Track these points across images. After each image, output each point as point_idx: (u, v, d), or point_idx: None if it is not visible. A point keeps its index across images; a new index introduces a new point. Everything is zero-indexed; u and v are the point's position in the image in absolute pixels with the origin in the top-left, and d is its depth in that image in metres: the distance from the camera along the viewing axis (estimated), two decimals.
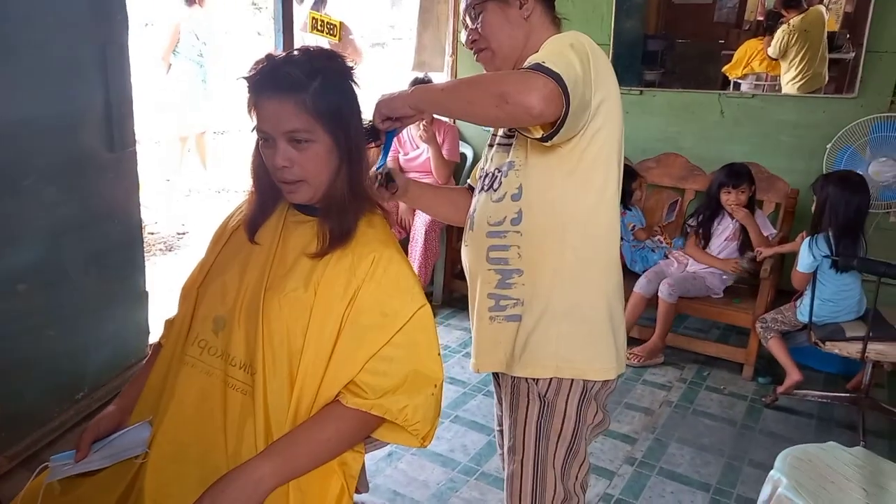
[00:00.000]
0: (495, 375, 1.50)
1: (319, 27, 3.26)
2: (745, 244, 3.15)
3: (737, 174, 3.14)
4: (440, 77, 4.03)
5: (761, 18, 3.72)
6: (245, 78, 1.13)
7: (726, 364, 3.18)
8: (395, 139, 3.66)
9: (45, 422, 2.08)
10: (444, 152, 3.54)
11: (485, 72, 1.39)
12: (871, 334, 2.53)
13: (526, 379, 1.33)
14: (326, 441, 1.09)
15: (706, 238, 3.24)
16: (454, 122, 3.84)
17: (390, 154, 3.65)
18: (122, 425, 1.21)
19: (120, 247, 2.27)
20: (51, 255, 2.02)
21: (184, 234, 4.59)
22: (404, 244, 3.53)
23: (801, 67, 3.50)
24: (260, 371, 1.10)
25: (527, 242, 1.30)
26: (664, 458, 2.45)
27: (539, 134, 1.18)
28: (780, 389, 2.83)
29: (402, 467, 2.30)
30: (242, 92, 1.15)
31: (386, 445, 1.24)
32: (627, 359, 3.10)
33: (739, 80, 3.75)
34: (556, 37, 1.25)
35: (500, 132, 1.40)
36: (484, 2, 1.32)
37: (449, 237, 3.75)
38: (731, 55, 3.74)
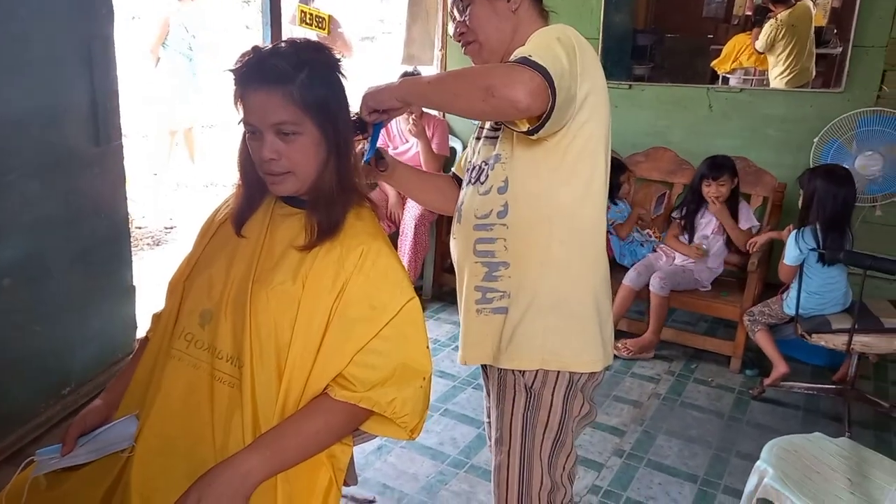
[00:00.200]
0: (483, 368, 1.51)
1: (308, 20, 3.24)
2: (731, 239, 3.18)
3: (717, 166, 3.16)
4: (430, 71, 4.03)
5: (750, 13, 3.74)
6: (231, 70, 1.12)
7: (714, 357, 3.20)
8: (383, 132, 3.67)
9: (32, 417, 2.07)
10: (434, 146, 3.54)
11: (472, 65, 1.39)
12: (856, 326, 2.55)
13: (513, 371, 1.34)
14: (315, 434, 1.09)
15: (690, 231, 3.26)
16: (444, 117, 3.83)
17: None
18: (109, 419, 1.20)
19: (106, 241, 2.25)
20: (36, 250, 2.00)
21: (171, 228, 4.56)
22: (394, 238, 3.53)
23: (788, 62, 3.52)
24: (247, 364, 1.09)
25: (513, 235, 1.31)
26: (652, 449, 2.46)
27: (525, 127, 1.18)
28: (767, 381, 2.86)
29: (391, 460, 2.31)
30: (230, 85, 1.15)
31: (374, 438, 1.24)
32: (618, 350, 3.13)
33: (728, 75, 3.77)
34: (544, 30, 1.25)
35: (487, 125, 1.40)
36: None
37: (438, 231, 3.75)
38: (720, 50, 3.75)
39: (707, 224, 3.21)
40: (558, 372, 1.32)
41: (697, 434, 2.58)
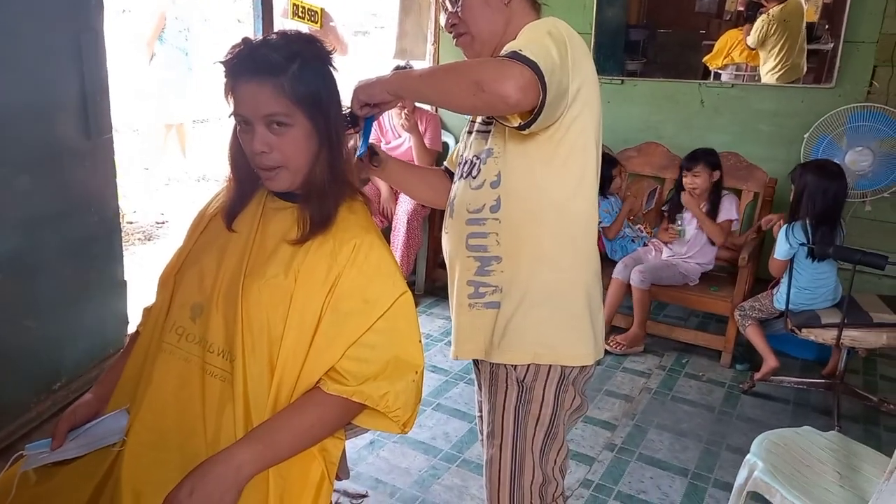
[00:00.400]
0: (475, 362, 1.51)
1: (300, 14, 3.22)
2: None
3: (693, 157, 3.19)
4: (422, 65, 4.02)
5: (742, 9, 3.75)
6: (222, 62, 1.12)
7: (705, 351, 3.22)
8: (375, 127, 3.66)
9: (22, 412, 2.06)
10: (426, 141, 3.53)
11: (464, 57, 1.39)
12: (845, 321, 2.57)
13: (505, 365, 1.34)
14: (307, 428, 1.09)
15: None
16: (436, 111, 3.83)
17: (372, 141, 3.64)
18: (99, 413, 1.20)
19: (97, 236, 2.24)
20: (26, 244, 1.98)
21: (163, 223, 4.54)
22: (386, 233, 3.53)
23: (779, 58, 3.53)
24: (239, 358, 1.09)
25: (505, 230, 1.31)
26: (643, 443, 2.48)
27: (517, 122, 1.18)
28: (758, 376, 2.87)
29: (384, 455, 2.31)
30: (221, 79, 1.14)
31: (367, 432, 1.24)
32: (610, 347, 3.14)
33: (720, 71, 3.77)
34: (535, 23, 1.25)
35: (479, 119, 1.40)
36: None
37: (431, 226, 3.74)
38: (712, 45, 3.76)
39: (692, 218, 3.22)
40: (550, 366, 1.33)
41: (688, 428, 2.60)
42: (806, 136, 3.27)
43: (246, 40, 1.12)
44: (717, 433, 2.57)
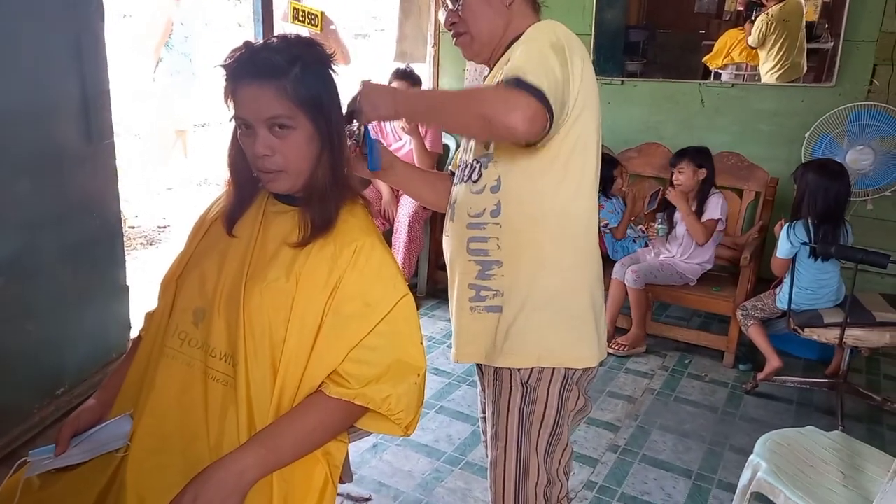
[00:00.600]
0: (478, 364, 1.51)
1: (300, 17, 3.23)
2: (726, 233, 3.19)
3: (680, 153, 3.19)
4: (423, 68, 4.02)
5: (741, 9, 3.75)
6: (223, 66, 1.12)
7: (707, 351, 3.22)
8: (376, 131, 3.66)
9: (25, 418, 2.06)
10: (427, 144, 3.53)
11: (462, 56, 1.39)
12: (848, 320, 2.57)
13: (509, 368, 1.34)
14: (310, 431, 1.09)
15: (669, 225, 3.27)
16: None
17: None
18: (103, 419, 1.20)
19: (99, 240, 2.24)
20: (28, 249, 1.99)
21: (165, 227, 4.55)
22: (387, 236, 3.52)
23: (779, 57, 3.53)
24: (242, 362, 1.09)
25: (506, 234, 1.30)
26: (647, 444, 2.47)
27: (523, 142, 1.20)
28: (761, 376, 2.87)
29: (386, 458, 2.31)
30: (221, 82, 1.14)
31: (369, 435, 1.24)
32: (612, 349, 3.14)
33: (720, 71, 3.77)
34: (535, 32, 1.24)
35: None
36: None
37: (433, 228, 3.74)
38: (712, 45, 3.76)
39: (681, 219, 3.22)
40: (553, 368, 1.32)
41: (691, 429, 2.59)
42: (806, 135, 3.27)
43: (247, 44, 1.12)
44: (721, 434, 2.57)
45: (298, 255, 1.14)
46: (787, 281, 2.77)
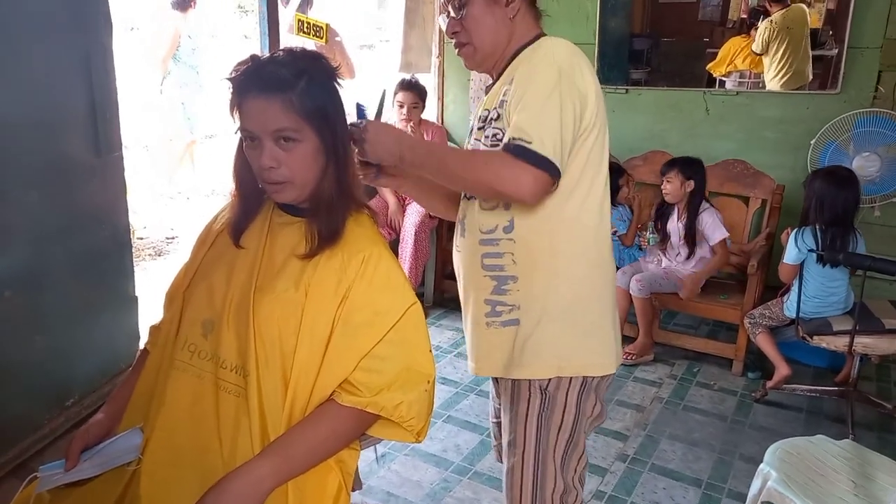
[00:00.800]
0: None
1: (306, 29, 3.25)
2: (690, 242, 3.16)
3: (670, 163, 3.18)
4: (428, 78, 4.03)
5: (745, 16, 3.76)
6: (229, 79, 1.13)
7: (716, 360, 3.20)
8: None
9: (35, 429, 2.07)
10: None
11: (464, 64, 1.40)
12: (857, 328, 2.55)
13: (528, 379, 1.35)
14: (323, 440, 1.10)
15: (663, 235, 3.26)
16: (442, 123, 3.84)
17: None
18: (112, 433, 1.20)
19: (108, 252, 2.26)
20: (38, 261, 2.00)
21: (173, 238, 4.57)
22: (394, 245, 3.53)
23: (782, 64, 3.53)
24: (253, 373, 1.10)
25: (520, 249, 1.31)
26: (656, 454, 2.46)
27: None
28: (770, 384, 2.86)
29: (395, 468, 2.30)
30: (227, 95, 1.15)
31: (380, 441, 1.25)
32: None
33: (724, 78, 3.78)
34: (537, 67, 1.24)
35: (485, 142, 1.36)
36: None
37: (439, 238, 3.75)
38: (716, 53, 3.77)
39: (675, 230, 3.21)
40: (572, 376, 1.34)
41: (701, 437, 2.58)
42: (812, 142, 3.26)
43: (253, 57, 1.14)
44: (730, 442, 2.55)
45: (307, 266, 1.15)
46: (794, 289, 2.76)
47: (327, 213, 1.15)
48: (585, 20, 3.81)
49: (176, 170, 4.72)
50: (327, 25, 3.38)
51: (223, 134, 6.10)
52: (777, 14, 3.53)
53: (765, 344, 2.91)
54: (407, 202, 3.58)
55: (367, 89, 5.70)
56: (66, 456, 1.15)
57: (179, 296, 1.23)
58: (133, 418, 1.20)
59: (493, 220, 1.32)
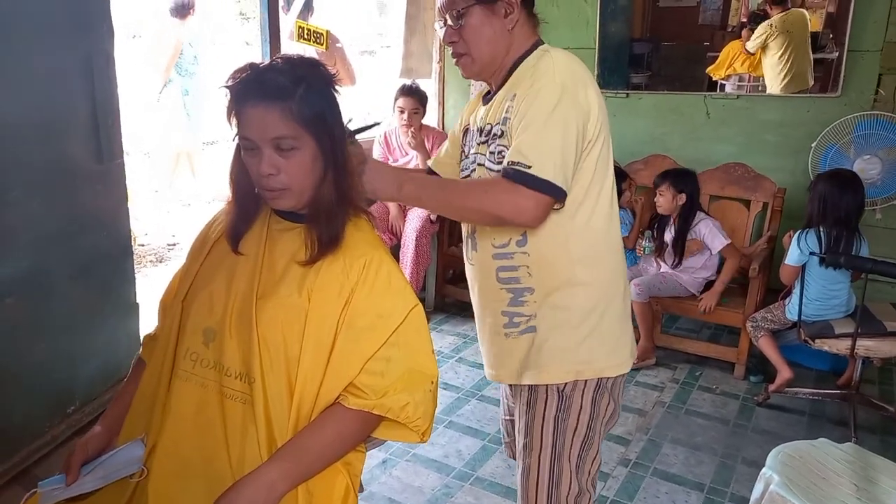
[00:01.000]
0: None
1: (306, 36, 3.26)
2: (679, 253, 3.16)
3: (662, 175, 3.19)
4: (428, 84, 4.05)
5: (745, 20, 3.76)
6: (227, 87, 1.13)
7: (718, 363, 3.20)
8: (382, 144, 3.68)
9: (37, 436, 2.07)
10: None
11: (461, 73, 1.40)
12: (859, 331, 2.55)
13: (546, 384, 1.37)
14: (331, 443, 1.11)
15: (660, 243, 3.26)
16: (443, 128, 3.85)
17: (380, 159, 3.66)
18: (111, 445, 1.20)
19: (109, 258, 2.26)
20: (39, 267, 2.01)
21: (174, 245, 4.58)
22: (395, 251, 3.54)
23: (783, 67, 3.53)
24: (258, 379, 1.10)
25: (535, 262, 1.33)
26: (658, 458, 2.46)
27: None
28: (772, 387, 2.85)
29: (396, 474, 2.30)
30: (225, 102, 1.15)
31: (384, 443, 1.26)
32: None
33: (724, 82, 3.78)
34: (540, 90, 1.24)
35: (487, 161, 1.36)
36: (469, 6, 1.30)
37: (440, 243, 3.75)
38: (716, 57, 3.77)
39: (671, 240, 3.21)
40: (588, 378, 1.36)
41: (703, 441, 2.58)
42: (813, 145, 3.26)
43: (251, 65, 1.14)
44: (733, 446, 2.55)
45: (308, 272, 1.15)
46: (796, 292, 2.76)
47: (327, 220, 1.16)
48: (585, 25, 3.82)
49: (174, 178, 4.72)
50: (328, 32, 3.39)
51: (224, 141, 6.12)
52: (777, 17, 3.54)
53: (767, 347, 2.90)
54: (408, 207, 3.58)
55: (368, 95, 5.73)
56: (65, 470, 1.14)
57: (177, 305, 1.23)
58: (133, 430, 1.20)
59: (505, 234, 1.33)
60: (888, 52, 3.17)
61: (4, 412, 1.96)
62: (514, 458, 1.67)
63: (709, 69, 3.77)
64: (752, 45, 3.60)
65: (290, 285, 1.14)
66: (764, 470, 1.69)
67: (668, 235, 3.20)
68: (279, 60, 1.15)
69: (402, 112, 3.44)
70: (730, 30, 3.83)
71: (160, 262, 4.32)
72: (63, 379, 2.14)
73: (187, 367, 1.16)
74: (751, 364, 3.10)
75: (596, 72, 3.84)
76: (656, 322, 3.24)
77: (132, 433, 1.19)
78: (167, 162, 4.64)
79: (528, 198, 1.18)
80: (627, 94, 3.86)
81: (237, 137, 1.15)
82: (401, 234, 3.54)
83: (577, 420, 1.37)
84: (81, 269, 2.15)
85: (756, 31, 3.59)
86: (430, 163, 1.62)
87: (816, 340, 2.68)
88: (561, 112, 1.21)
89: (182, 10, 4.36)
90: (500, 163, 1.31)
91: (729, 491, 2.27)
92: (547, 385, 1.36)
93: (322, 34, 3.34)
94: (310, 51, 3.30)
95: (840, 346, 2.62)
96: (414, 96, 3.46)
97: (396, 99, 3.47)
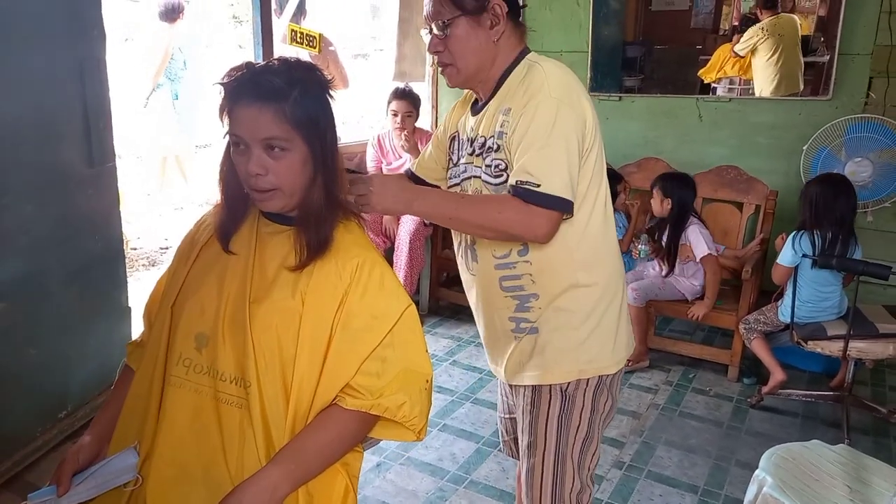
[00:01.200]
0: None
1: (299, 39, 3.26)
2: (670, 256, 3.17)
3: (656, 178, 3.21)
4: (422, 87, 4.05)
5: (736, 23, 3.79)
6: (222, 84, 1.13)
7: (711, 365, 3.21)
8: (375, 147, 3.68)
9: (28, 441, 2.05)
10: None
11: (447, 83, 1.40)
12: (851, 332, 2.56)
13: (549, 384, 1.39)
14: (331, 443, 1.11)
15: (657, 246, 3.27)
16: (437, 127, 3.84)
17: (374, 164, 3.66)
18: (101, 454, 1.19)
19: (101, 262, 2.25)
20: (31, 271, 2.00)
21: (167, 248, 4.56)
22: (389, 254, 3.53)
23: (772, 70, 3.56)
24: (254, 383, 1.10)
25: (538, 269, 1.34)
26: (652, 460, 2.46)
27: None
28: (765, 389, 2.86)
29: (390, 478, 2.29)
30: (218, 100, 1.14)
31: (380, 442, 1.26)
32: None
33: (715, 85, 3.80)
34: (537, 107, 1.24)
35: (486, 171, 1.36)
36: (455, 17, 1.30)
37: (434, 246, 3.75)
38: (709, 60, 3.79)
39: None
40: (590, 377, 1.38)
41: (697, 444, 2.58)
42: (805, 147, 3.28)
43: (248, 64, 1.13)
44: (726, 448, 2.55)
45: (301, 275, 1.15)
46: (788, 294, 2.77)
47: (316, 224, 1.15)
48: (578, 28, 3.83)
49: (163, 183, 4.71)
50: (321, 35, 3.39)
51: (216, 144, 6.10)
52: (767, 21, 3.56)
53: (760, 349, 2.91)
54: None
55: (362, 98, 5.73)
56: (56, 481, 1.13)
57: (166, 311, 1.21)
58: (124, 438, 1.18)
59: (506, 245, 1.35)
60: (878, 56, 3.19)
61: None
62: (513, 457, 1.68)
63: (700, 72, 3.79)
64: (740, 48, 3.62)
65: (283, 289, 1.14)
66: (757, 472, 1.69)
67: (665, 239, 3.20)
68: (276, 62, 1.14)
69: (395, 115, 3.44)
70: (722, 33, 3.85)
71: (152, 265, 4.30)
72: (55, 383, 2.13)
73: (180, 372, 1.15)
74: (744, 366, 3.11)
75: (589, 75, 3.85)
76: (650, 325, 3.25)
77: (123, 441, 1.18)
78: (155, 166, 4.62)
79: (540, 216, 1.21)
80: (620, 97, 3.88)
81: (227, 136, 1.14)
82: (394, 238, 3.54)
83: (580, 418, 1.40)
84: (74, 273, 2.14)
85: (745, 35, 3.62)
86: (413, 167, 1.62)
87: (809, 342, 2.69)
88: (560, 127, 1.23)
89: (170, 15, 4.34)
90: (497, 176, 1.32)
91: (723, 493, 2.27)
92: (550, 385, 1.39)
93: (315, 37, 3.34)
94: (302, 54, 3.30)
95: (832, 348, 2.63)
96: (407, 99, 3.46)
97: (390, 102, 3.47)
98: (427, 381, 1.19)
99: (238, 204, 1.21)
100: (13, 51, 1.87)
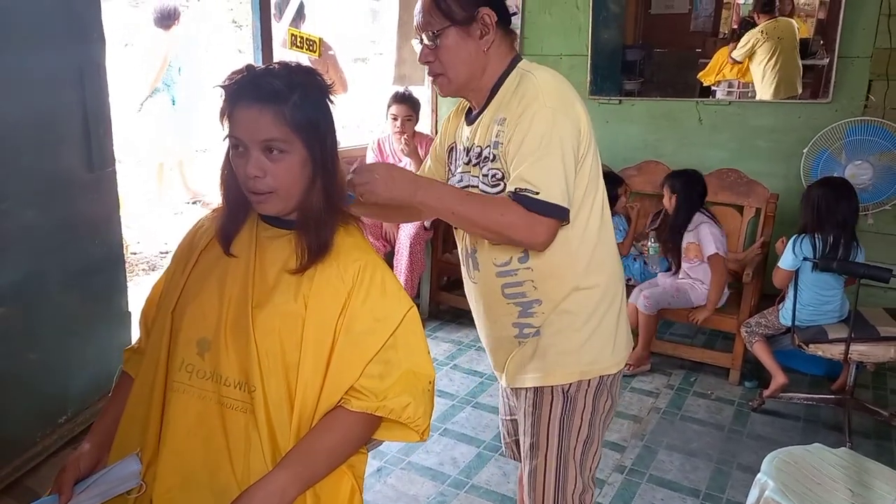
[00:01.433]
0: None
1: (299, 44, 3.26)
2: (675, 254, 3.18)
3: (665, 176, 3.22)
4: (421, 90, 4.05)
5: (735, 27, 3.79)
6: (223, 86, 1.13)
7: (713, 369, 3.20)
8: (375, 151, 3.68)
9: (28, 447, 2.05)
10: None
11: (438, 92, 1.41)
12: (852, 335, 2.56)
13: (551, 385, 1.40)
14: (337, 445, 1.12)
15: (664, 246, 3.27)
16: (436, 136, 3.84)
17: None
18: (102, 462, 1.18)
19: (101, 267, 2.25)
20: (31, 276, 2.00)
21: (166, 253, 4.55)
22: (389, 258, 3.53)
23: (770, 73, 3.56)
24: (259, 387, 1.10)
25: (539, 276, 1.35)
26: (653, 464, 2.45)
27: None
28: (767, 393, 2.85)
29: (391, 482, 2.29)
30: (219, 102, 1.14)
31: (382, 443, 1.28)
32: None
33: (714, 87, 3.81)
34: (532, 117, 1.25)
35: (483, 180, 1.36)
36: (445, 28, 1.31)
37: (434, 249, 3.75)
38: (708, 63, 3.80)
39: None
40: (591, 378, 1.39)
41: (698, 447, 2.57)
42: (805, 150, 3.28)
43: (249, 67, 1.13)
44: (728, 452, 2.54)
45: (302, 279, 1.15)
46: (789, 297, 2.76)
47: (316, 228, 1.15)
48: (578, 32, 3.83)
49: (159, 189, 4.71)
50: (320, 39, 3.39)
51: (215, 148, 6.10)
52: (764, 24, 3.56)
53: (761, 353, 2.91)
54: None
55: (361, 102, 5.73)
56: (58, 490, 1.12)
57: (165, 316, 1.20)
58: (126, 445, 1.17)
59: (506, 252, 1.36)
60: (878, 59, 3.20)
61: None
62: (515, 459, 1.68)
63: (700, 74, 3.80)
64: (738, 53, 3.63)
65: (285, 293, 1.14)
66: (759, 475, 1.69)
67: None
68: (276, 66, 1.15)
69: (395, 119, 3.45)
70: (721, 36, 3.86)
71: (152, 270, 4.30)
72: (55, 388, 2.13)
73: (183, 378, 1.14)
74: (745, 369, 3.11)
75: (589, 78, 3.85)
76: (654, 332, 3.23)
77: (125, 448, 1.17)
78: (152, 171, 4.63)
79: (540, 223, 1.22)
80: (620, 100, 3.88)
81: (227, 138, 1.14)
82: (395, 242, 3.53)
83: (581, 419, 1.41)
84: (73, 278, 2.14)
85: (742, 40, 3.62)
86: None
87: (810, 345, 2.68)
88: (556, 136, 1.24)
89: (165, 21, 4.34)
90: (495, 185, 1.32)
91: (724, 497, 2.27)
92: (552, 386, 1.39)
93: (315, 42, 3.34)
94: (302, 58, 3.30)
95: (834, 351, 2.63)
96: (407, 103, 3.46)
97: (389, 106, 3.47)
98: (430, 383, 1.20)
99: (239, 207, 1.21)
100: (13, 55, 1.87)
